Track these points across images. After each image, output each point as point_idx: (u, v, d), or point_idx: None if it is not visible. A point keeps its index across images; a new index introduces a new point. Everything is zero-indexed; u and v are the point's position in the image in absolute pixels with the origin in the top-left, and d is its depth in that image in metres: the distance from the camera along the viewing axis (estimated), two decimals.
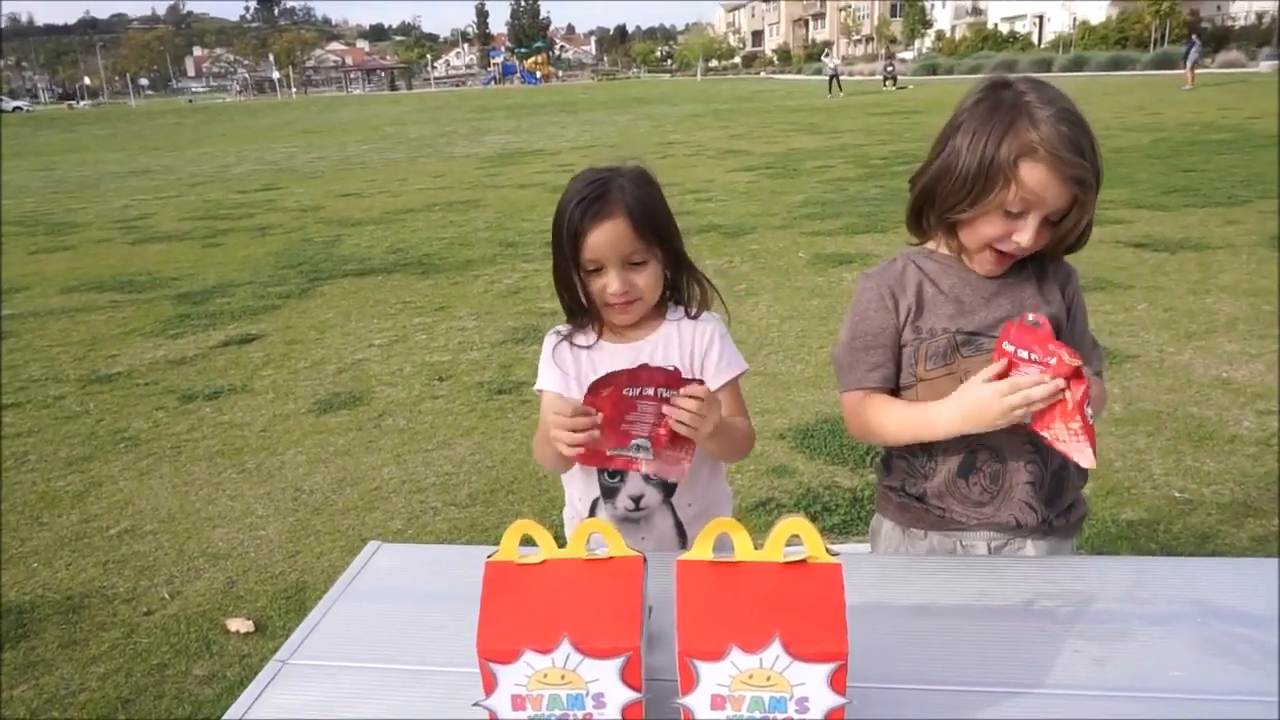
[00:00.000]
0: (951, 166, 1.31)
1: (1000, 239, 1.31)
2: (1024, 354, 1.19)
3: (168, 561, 3.13)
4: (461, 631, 0.88)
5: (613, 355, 1.47)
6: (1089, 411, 1.16)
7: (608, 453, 1.23)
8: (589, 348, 1.49)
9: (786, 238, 7.86)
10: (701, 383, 1.23)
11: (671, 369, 1.24)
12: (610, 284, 1.38)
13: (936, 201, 1.36)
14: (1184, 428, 3.66)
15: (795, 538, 0.85)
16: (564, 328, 1.53)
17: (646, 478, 1.40)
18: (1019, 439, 1.35)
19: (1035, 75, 1.37)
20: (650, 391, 1.21)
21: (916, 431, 1.35)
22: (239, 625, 2.72)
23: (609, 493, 1.45)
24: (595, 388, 1.23)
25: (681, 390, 1.21)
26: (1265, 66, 31.80)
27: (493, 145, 19.11)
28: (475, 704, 0.87)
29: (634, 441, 1.23)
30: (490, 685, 0.86)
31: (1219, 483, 3.20)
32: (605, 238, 1.37)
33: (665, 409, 1.22)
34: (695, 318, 1.50)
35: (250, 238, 9.52)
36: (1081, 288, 1.47)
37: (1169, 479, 3.25)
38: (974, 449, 1.37)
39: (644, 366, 1.24)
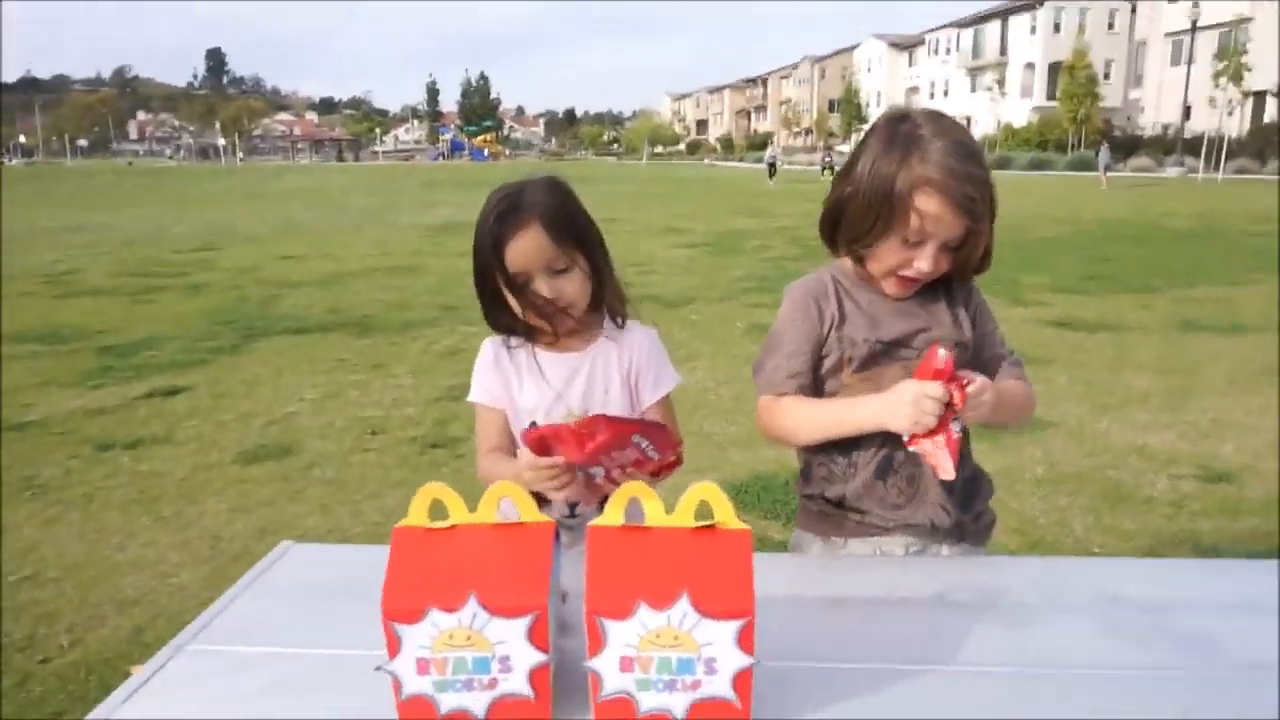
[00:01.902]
0: (854, 195, 1.38)
1: (902, 266, 1.38)
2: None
3: (69, 609, 2.97)
4: (370, 619, 0.86)
5: (552, 363, 1.47)
6: (955, 428, 1.25)
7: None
8: (530, 355, 1.48)
9: (725, 309, 8.02)
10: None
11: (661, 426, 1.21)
12: (541, 290, 1.39)
13: (842, 228, 1.43)
14: (1102, 489, 3.78)
15: (705, 504, 0.86)
16: (500, 337, 1.53)
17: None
18: None
19: (934, 109, 1.44)
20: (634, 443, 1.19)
21: (836, 427, 1.38)
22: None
23: (540, 499, 1.43)
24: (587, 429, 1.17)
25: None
26: (1172, 171, 34.01)
27: (439, 216, 19.17)
28: (378, 668, 0.85)
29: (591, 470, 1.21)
30: (394, 648, 0.84)
31: (1136, 539, 3.30)
32: (524, 247, 1.37)
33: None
34: (621, 327, 1.52)
35: (183, 295, 9.33)
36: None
37: (1089, 535, 3.34)
38: (890, 450, 1.41)
39: (584, 420, 1.18)
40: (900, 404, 1.27)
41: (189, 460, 4.34)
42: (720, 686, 0.83)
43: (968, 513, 1.46)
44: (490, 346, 1.52)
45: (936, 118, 1.37)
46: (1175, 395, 5.14)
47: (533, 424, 1.21)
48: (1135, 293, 8.50)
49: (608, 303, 1.50)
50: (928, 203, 1.31)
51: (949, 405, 1.25)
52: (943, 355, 1.26)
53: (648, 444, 1.17)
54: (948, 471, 1.26)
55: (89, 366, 6.22)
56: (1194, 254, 11.29)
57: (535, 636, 0.84)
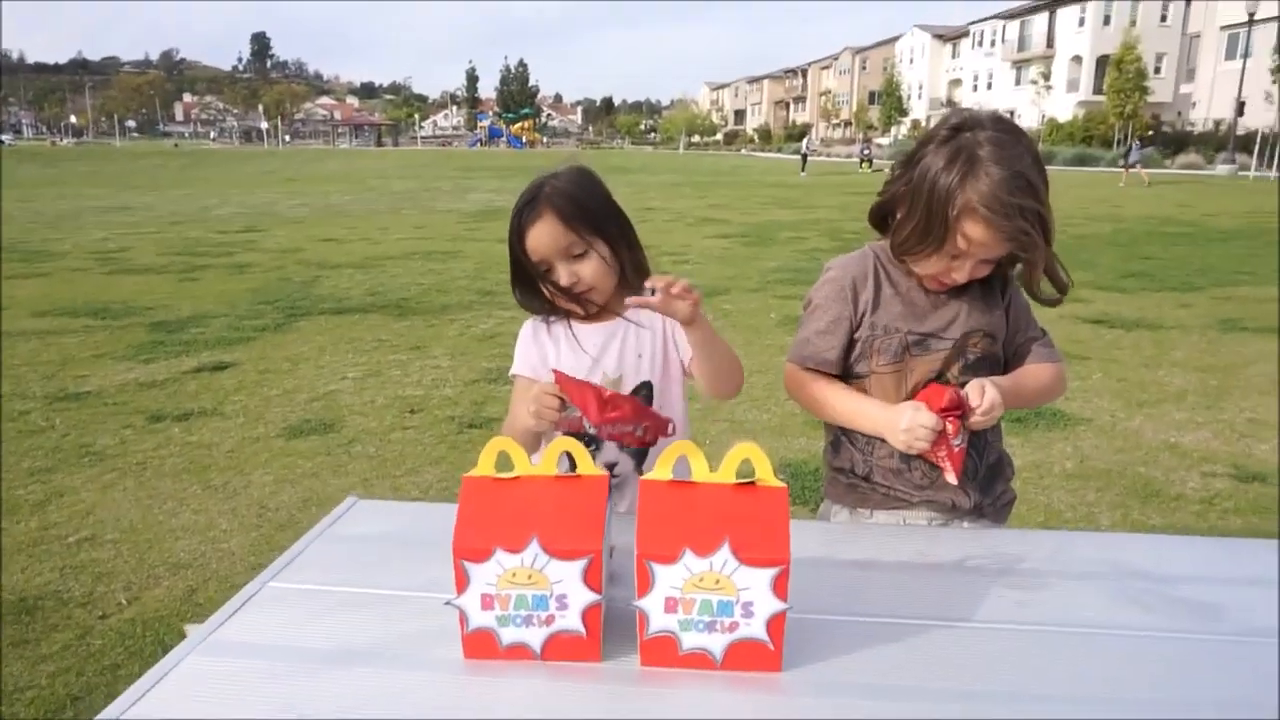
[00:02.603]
0: (906, 199, 1.43)
1: (941, 274, 1.45)
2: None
3: (126, 569, 3.11)
4: (433, 565, 0.94)
5: (588, 334, 1.56)
6: (955, 443, 1.37)
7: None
8: (567, 329, 1.57)
9: (758, 300, 8.06)
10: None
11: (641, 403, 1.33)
12: (559, 278, 1.49)
13: (891, 229, 1.49)
14: (1132, 485, 3.79)
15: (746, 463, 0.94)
16: (538, 317, 1.62)
17: (621, 446, 1.49)
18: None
19: (1004, 118, 1.42)
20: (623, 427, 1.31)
21: (844, 419, 1.51)
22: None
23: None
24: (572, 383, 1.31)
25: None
26: (1222, 169, 33.30)
27: (476, 202, 19.36)
28: (447, 602, 0.94)
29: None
30: (462, 584, 0.93)
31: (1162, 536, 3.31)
32: (539, 235, 1.48)
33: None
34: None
35: (228, 274, 9.55)
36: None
37: (1115, 530, 3.36)
38: None
39: (615, 395, 1.31)
40: (896, 428, 1.38)
41: (236, 433, 4.49)
42: (756, 629, 0.91)
43: (988, 495, 1.54)
44: (529, 324, 1.62)
45: (1001, 136, 1.35)
46: (1212, 394, 5.11)
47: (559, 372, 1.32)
48: (1175, 291, 8.41)
49: (631, 283, 1.56)
50: (975, 230, 1.34)
51: (943, 431, 1.36)
52: (946, 394, 1.36)
53: (644, 429, 1.29)
54: (950, 478, 1.38)
55: (140, 341, 6.43)
56: (1239, 253, 11.11)
57: (590, 578, 0.92)
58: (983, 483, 1.52)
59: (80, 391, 5.18)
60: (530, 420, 1.31)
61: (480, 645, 0.95)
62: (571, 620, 0.94)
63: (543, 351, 1.58)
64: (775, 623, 0.91)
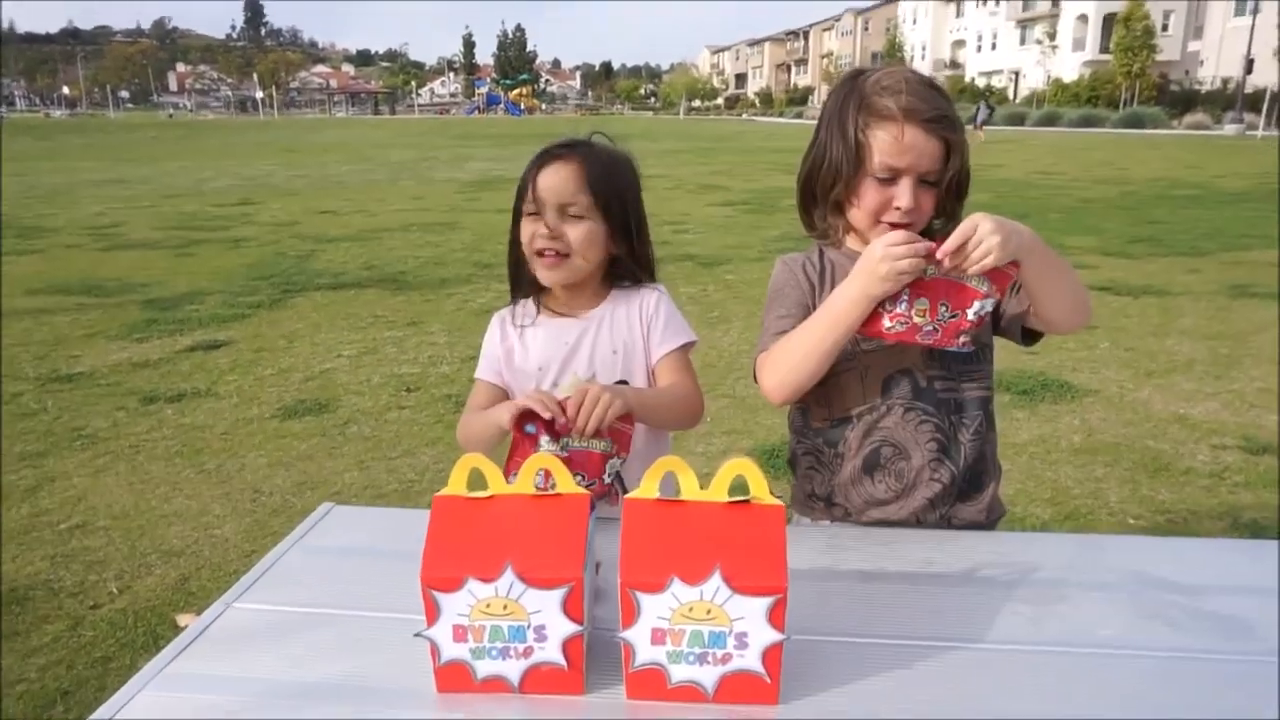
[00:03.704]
0: (820, 157, 1.37)
1: (884, 208, 1.32)
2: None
3: (118, 557, 3.07)
4: (410, 583, 0.88)
5: (553, 330, 1.48)
6: (972, 312, 1.21)
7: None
8: (531, 325, 1.50)
9: (761, 269, 7.94)
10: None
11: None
12: (540, 227, 1.39)
13: (817, 193, 1.40)
14: (1141, 459, 3.73)
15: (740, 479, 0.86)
16: (508, 309, 1.54)
17: (584, 481, 1.43)
18: (924, 435, 1.38)
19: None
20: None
21: (815, 331, 1.30)
22: (189, 620, 2.66)
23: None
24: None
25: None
26: (1230, 129, 32.87)
27: (474, 171, 19.16)
28: (416, 634, 0.87)
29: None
30: (432, 615, 0.86)
31: (1172, 511, 3.25)
32: (550, 179, 1.39)
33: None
34: (632, 286, 1.51)
35: (224, 249, 9.45)
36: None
37: (1125, 507, 3.30)
38: (877, 445, 1.39)
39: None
40: (872, 265, 1.21)
41: (230, 414, 4.43)
42: (750, 661, 0.84)
43: (973, 504, 1.42)
44: (496, 320, 1.55)
45: (889, 67, 1.35)
46: (1221, 363, 5.03)
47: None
48: (1183, 256, 8.28)
49: (625, 269, 1.50)
50: (890, 129, 1.27)
51: (937, 261, 1.18)
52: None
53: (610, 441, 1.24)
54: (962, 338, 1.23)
55: (134, 319, 6.35)
56: (1248, 216, 10.95)
57: (570, 607, 0.85)
58: (959, 490, 1.39)
59: (73, 372, 5.12)
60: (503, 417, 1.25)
61: (454, 678, 0.89)
62: (551, 652, 0.87)
63: (509, 348, 1.50)
64: (771, 654, 0.84)
